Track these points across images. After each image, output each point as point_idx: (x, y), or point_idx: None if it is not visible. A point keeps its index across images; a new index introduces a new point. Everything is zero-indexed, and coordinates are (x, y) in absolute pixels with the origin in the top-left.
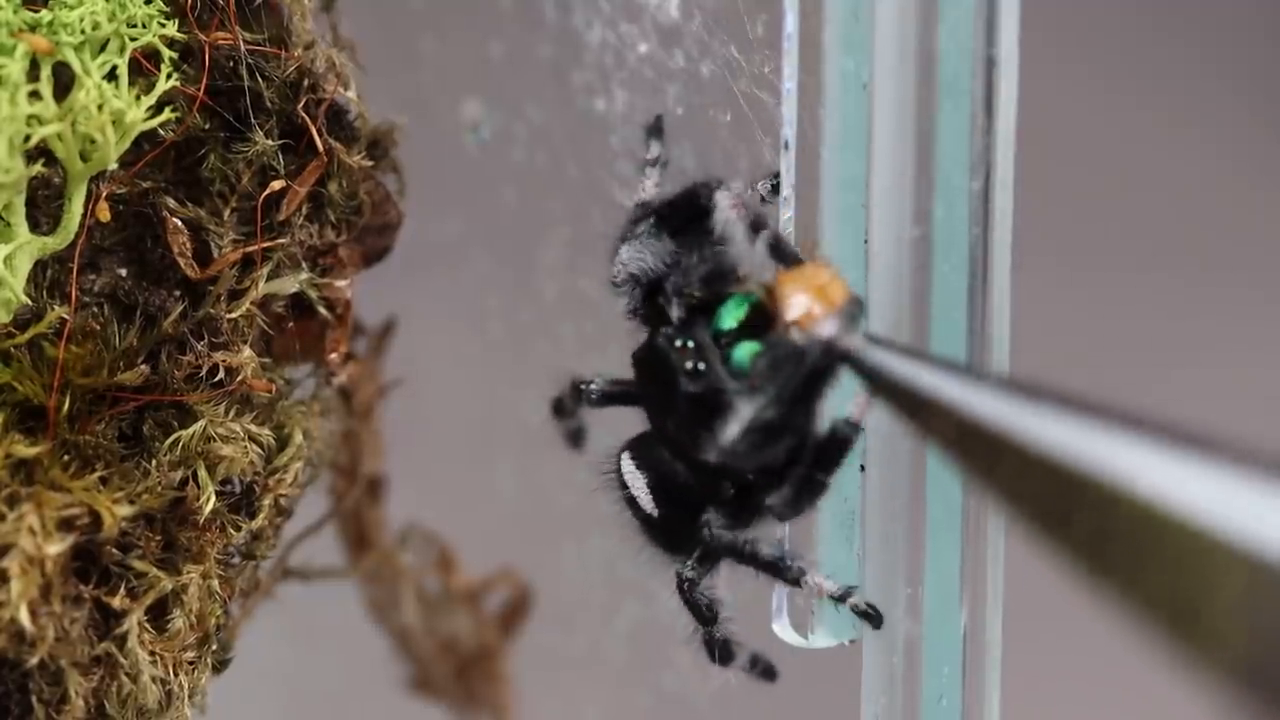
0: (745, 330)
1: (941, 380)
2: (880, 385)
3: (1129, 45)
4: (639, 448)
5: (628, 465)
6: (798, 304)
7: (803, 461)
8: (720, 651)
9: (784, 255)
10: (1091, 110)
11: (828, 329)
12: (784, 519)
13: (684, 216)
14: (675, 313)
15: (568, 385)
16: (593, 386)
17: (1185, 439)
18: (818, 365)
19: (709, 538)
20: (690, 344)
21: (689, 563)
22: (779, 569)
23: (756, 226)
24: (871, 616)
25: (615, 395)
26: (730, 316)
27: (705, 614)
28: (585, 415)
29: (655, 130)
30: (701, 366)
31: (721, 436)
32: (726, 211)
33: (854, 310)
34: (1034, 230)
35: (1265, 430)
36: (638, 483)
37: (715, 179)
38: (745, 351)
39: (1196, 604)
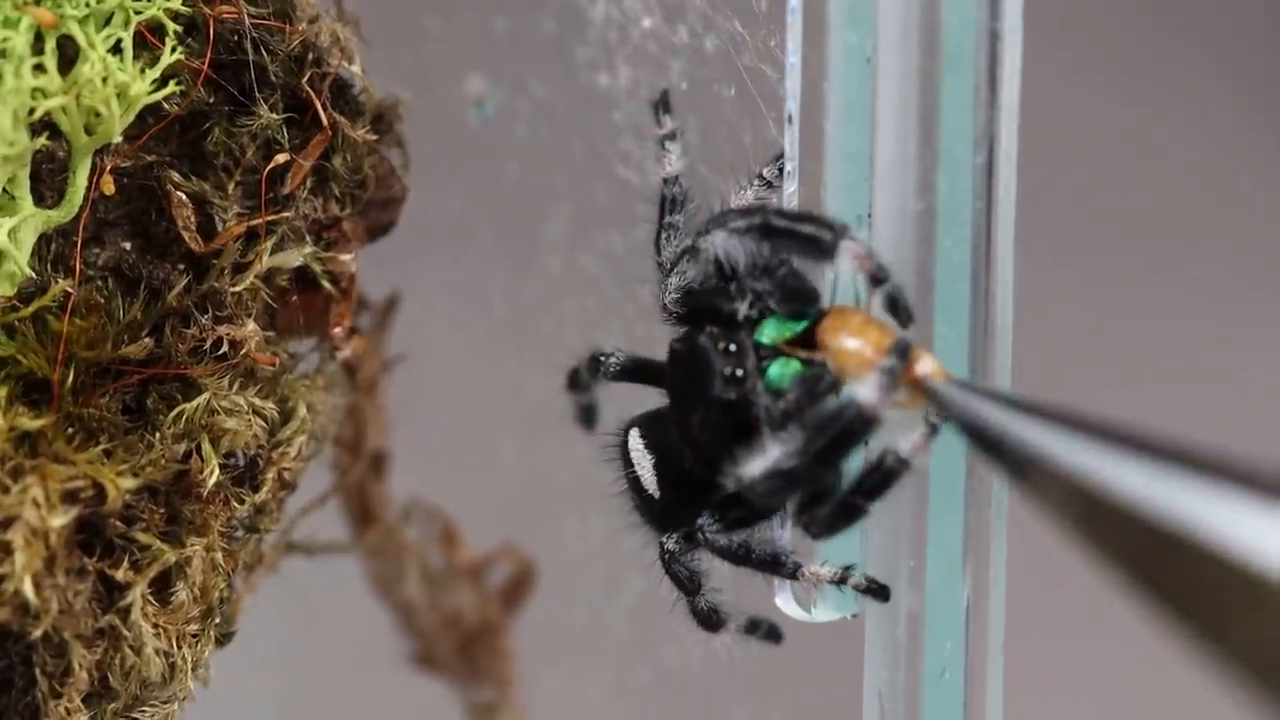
0: (782, 351)
1: (1026, 428)
2: (973, 437)
3: (1131, 19)
4: (650, 426)
5: (636, 443)
6: (847, 346)
7: (836, 488)
8: (706, 618)
9: (901, 311)
10: (1095, 82)
11: (867, 394)
12: (817, 538)
13: (795, 242)
14: (742, 310)
15: (585, 357)
16: (612, 360)
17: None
18: (850, 426)
19: (703, 541)
20: (733, 348)
21: (673, 536)
22: (776, 565)
23: (877, 280)
24: (875, 591)
25: (634, 371)
26: (773, 332)
27: (687, 585)
28: (598, 391)
29: (664, 105)
30: (740, 374)
31: (742, 471)
32: (848, 264)
33: (895, 367)
34: (1037, 203)
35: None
36: (644, 462)
37: (840, 224)
38: (781, 369)
39: None
